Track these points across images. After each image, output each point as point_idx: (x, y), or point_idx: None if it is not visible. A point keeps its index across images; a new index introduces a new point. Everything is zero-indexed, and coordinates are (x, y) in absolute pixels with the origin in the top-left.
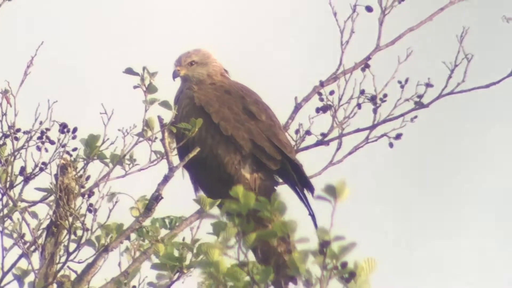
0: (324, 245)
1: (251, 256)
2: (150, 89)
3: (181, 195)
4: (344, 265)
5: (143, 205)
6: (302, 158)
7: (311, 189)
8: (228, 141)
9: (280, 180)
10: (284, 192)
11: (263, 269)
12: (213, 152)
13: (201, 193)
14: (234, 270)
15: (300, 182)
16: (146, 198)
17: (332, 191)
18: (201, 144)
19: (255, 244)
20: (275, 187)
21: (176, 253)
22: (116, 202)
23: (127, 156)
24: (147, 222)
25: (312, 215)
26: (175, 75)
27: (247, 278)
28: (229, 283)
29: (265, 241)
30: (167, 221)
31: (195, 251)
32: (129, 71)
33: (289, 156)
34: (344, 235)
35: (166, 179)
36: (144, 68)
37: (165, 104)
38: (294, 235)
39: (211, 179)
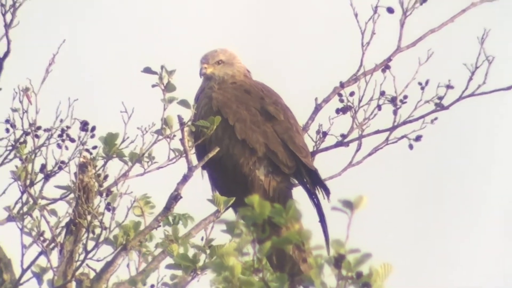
0: (339, 259)
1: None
2: (169, 87)
3: (200, 195)
4: (359, 275)
5: (145, 203)
6: (321, 159)
7: (327, 192)
8: (244, 143)
9: (296, 182)
10: (300, 195)
11: (279, 277)
12: (229, 152)
13: (216, 193)
14: (249, 275)
15: (315, 186)
16: (148, 196)
17: (349, 205)
18: (217, 144)
19: (270, 251)
20: (290, 190)
21: (190, 254)
22: (133, 201)
23: (146, 154)
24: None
25: (322, 222)
26: (202, 73)
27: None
28: (243, 287)
29: (280, 248)
30: (170, 218)
31: (208, 252)
32: (148, 70)
33: (303, 161)
34: (361, 237)
35: (185, 178)
36: (162, 67)
37: (183, 103)
38: (309, 243)
39: (226, 179)
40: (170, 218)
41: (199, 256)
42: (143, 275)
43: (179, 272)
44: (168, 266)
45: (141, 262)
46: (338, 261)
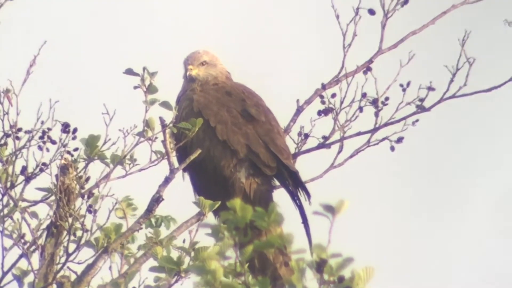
0: (321, 263)
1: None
2: (151, 89)
3: (182, 197)
4: (341, 279)
5: (127, 205)
6: (303, 160)
7: (307, 195)
8: (224, 144)
9: (278, 184)
10: (282, 197)
11: (261, 281)
12: (210, 154)
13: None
14: (230, 278)
15: (297, 188)
16: (130, 198)
17: (330, 209)
18: (198, 145)
19: (252, 255)
20: (271, 192)
21: (174, 257)
22: (116, 203)
23: (128, 156)
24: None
25: (305, 223)
26: (188, 75)
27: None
28: None
29: (261, 252)
30: (153, 220)
31: (193, 254)
32: (129, 71)
33: (285, 162)
34: (342, 241)
35: (167, 180)
36: (144, 69)
37: (165, 104)
38: (291, 246)
39: (207, 181)
40: (153, 220)
41: (183, 258)
42: (126, 278)
43: (162, 275)
44: (152, 269)
45: (124, 265)
46: (320, 266)
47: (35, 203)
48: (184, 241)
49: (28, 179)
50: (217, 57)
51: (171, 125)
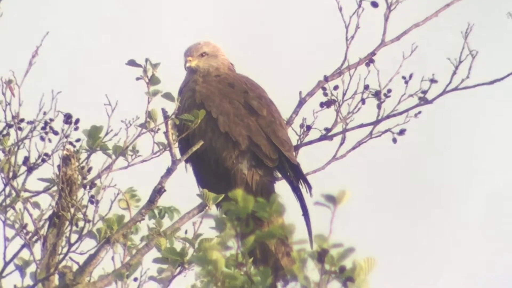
0: (322, 254)
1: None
2: (153, 80)
3: (184, 188)
4: (342, 269)
5: (131, 197)
6: (305, 152)
7: (309, 187)
8: (226, 136)
9: (280, 176)
10: (283, 188)
11: (262, 271)
12: (211, 145)
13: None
14: (232, 269)
15: (298, 180)
16: (134, 189)
17: (331, 200)
18: (200, 137)
19: (253, 245)
20: (273, 184)
21: (178, 248)
22: (118, 194)
23: (130, 148)
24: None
25: (305, 215)
26: (187, 67)
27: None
28: (227, 281)
29: (263, 242)
30: (156, 211)
31: (196, 246)
32: (132, 62)
33: (286, 154)
34: (344, 232)
35: (169, 171)
36: (146, 60)
37: (167, 96)
38: (292, 237)
39: (209, 173)
40: (156, 211)
41: (187, 250)
42: (130, 270)
43: (166, 266)
44: (156, 260)
45: (126, 255)
46: (321, 256)
47: (37, 193)
48: (186, 232)
49: (30, 170)
50: (218, 48)
51: (173, 116)
